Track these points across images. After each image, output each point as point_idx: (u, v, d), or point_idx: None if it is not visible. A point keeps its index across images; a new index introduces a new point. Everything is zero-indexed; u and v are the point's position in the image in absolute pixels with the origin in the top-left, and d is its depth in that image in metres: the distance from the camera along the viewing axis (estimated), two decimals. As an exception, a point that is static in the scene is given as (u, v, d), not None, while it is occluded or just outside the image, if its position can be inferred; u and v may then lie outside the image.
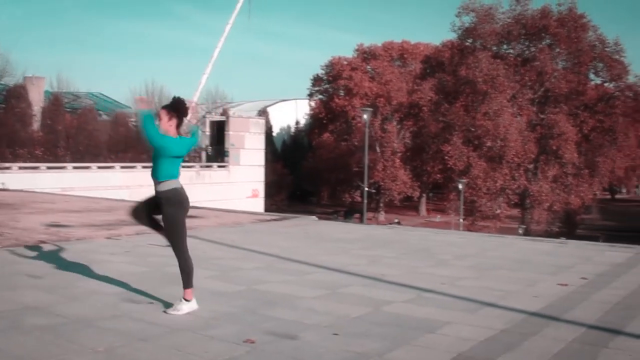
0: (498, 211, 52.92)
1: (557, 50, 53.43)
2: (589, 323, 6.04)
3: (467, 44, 55.44)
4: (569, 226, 54.27)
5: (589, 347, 5.24)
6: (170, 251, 6.10)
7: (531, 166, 52.87)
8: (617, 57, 52.87)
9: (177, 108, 5.98)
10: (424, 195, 71.92)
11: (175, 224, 5.91)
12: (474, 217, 52.20)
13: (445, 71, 57.19)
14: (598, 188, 59.08)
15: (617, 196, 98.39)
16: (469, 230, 41.86)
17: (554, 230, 51.66)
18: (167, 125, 5.90)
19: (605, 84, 55.89)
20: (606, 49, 53.01)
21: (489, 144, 50.95)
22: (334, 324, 5.67)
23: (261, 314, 6.02)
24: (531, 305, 6.65)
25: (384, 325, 5.74)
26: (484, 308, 6.56)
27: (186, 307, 5.91)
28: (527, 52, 54.93)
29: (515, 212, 56.33)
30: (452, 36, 57.65)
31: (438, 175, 61.26)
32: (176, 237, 5.94)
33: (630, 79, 53.46)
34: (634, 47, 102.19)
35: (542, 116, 52.95)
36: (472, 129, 51.60)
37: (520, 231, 47.62)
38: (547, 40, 53.36)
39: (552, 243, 13.11)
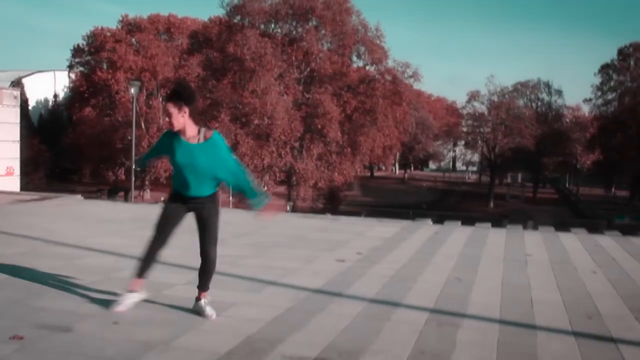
0: (265, 188, 53.86)
1: (323, 32, 55.17)
2: (369, 297, 6.20)
3: (236, 21, 55.43)
4: (332, 202, 56.67)
5: (373, 320, 5.35)
6: None
7: (297, 144, 54.30)
8: (377, 41, 55.83)
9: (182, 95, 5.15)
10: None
11: None
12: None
13: (213, 47, 56.77)
14: (359, 166, 62.23)
15: (376, 173, 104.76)
16: (237, 207, 42.16)
17: (318, 206, 53.68)
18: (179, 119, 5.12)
19: (367, 67, 58.73)
20: (368, 34, 55.71)
21: (256, 121, 51.44)
22: (113, 312, 5.25)
23: (28, 305, 5.41)
24: (313, 282, 6.69)
25: (167, 310, 5.44)
26: (268, 287, 6.49)
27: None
28: (294, 32, 56.09)
29: (282, 189, 57.73)
30: (220, 12, 57.46)
31: (206, 152, 60.84)
32: None
33: (390, 63, 56.68)
34: (392, 33, 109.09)
35: (307, 96, 54.47)
36: (240, 107, 51.75)
37: (289, 208, 48.89)
38: (314, 22, 54.88)
39: (324, 219, 13.48)
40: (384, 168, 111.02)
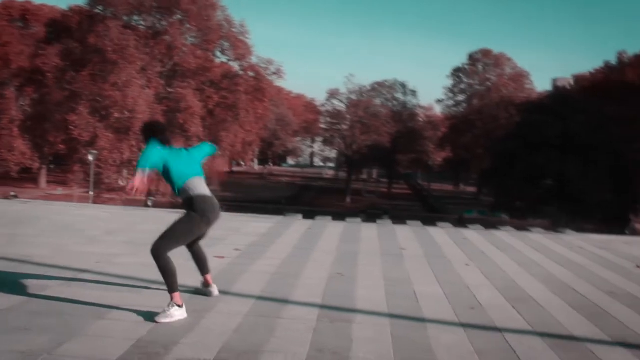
0: (123, 183, 52.34)
1: (188, 26, 54.50)
2: (256, 294, 6.10)
3: (97, 11, 53.70)
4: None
5: (265, 319, 5.26)
6: None
7: (158, 139, 53.12)
8: (242, 38, 55.76)
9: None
10: (45, 166, 68.09)
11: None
12: (100, 189, 51.02)
13: (72, 37, 54.51)
14: (224, 161, 61.79)
15: (235, 169, 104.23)
16: (95, 202, 40.73)
17: (178, 201, 52.61)
18: None
19: (230, 63, 58.53)
20: (233, 30, 55.56)
21: (116, 115, 49.96)
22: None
23: None
24: (195, 281, 6.45)
25: (45, 315, 5.05)
26: (150, 287, 6.22)
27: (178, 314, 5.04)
28: (158, 25, 54.98)
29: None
30: (81, 1, 55.55)
31: (61, 146, 58.34)
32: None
33: (253, 59, 56.82)
34: (257, 30, 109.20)
35: (170, 90, 53.50)
36: (100, 99, 50.10)
37: (150, 203, 47.65)
38: (179, 16, 54.06)
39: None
40: (243, 163, 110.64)
